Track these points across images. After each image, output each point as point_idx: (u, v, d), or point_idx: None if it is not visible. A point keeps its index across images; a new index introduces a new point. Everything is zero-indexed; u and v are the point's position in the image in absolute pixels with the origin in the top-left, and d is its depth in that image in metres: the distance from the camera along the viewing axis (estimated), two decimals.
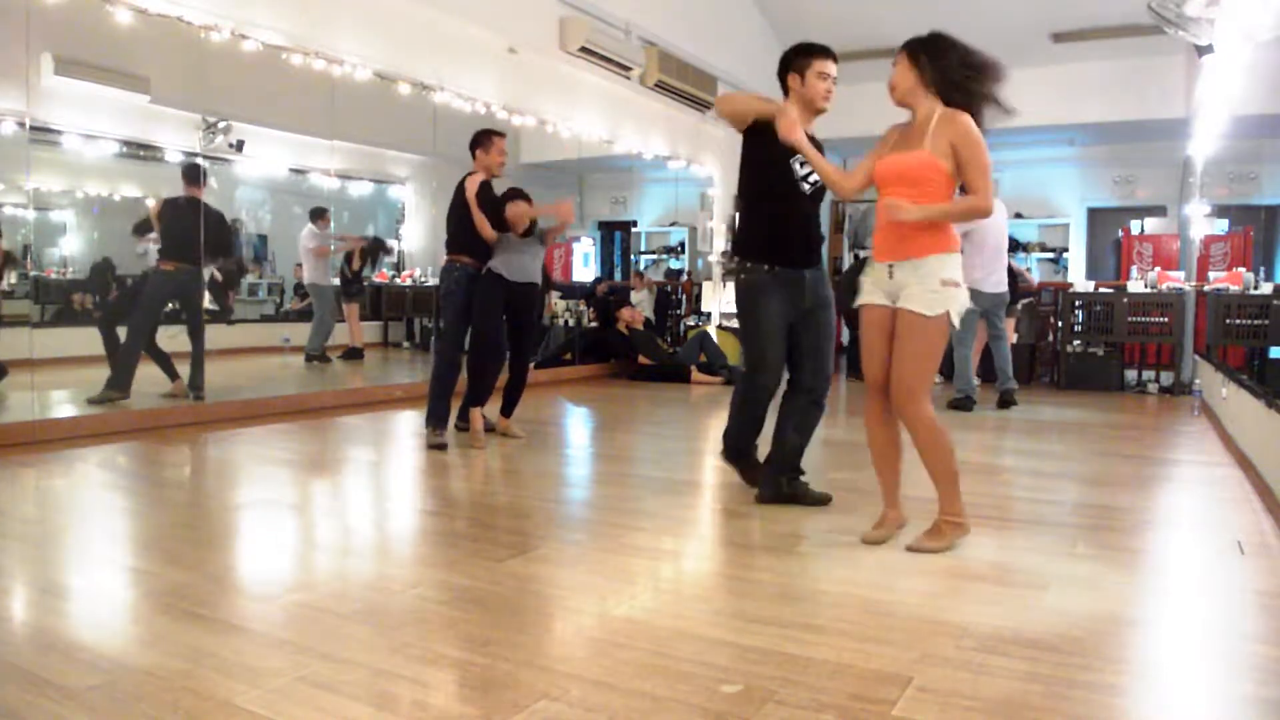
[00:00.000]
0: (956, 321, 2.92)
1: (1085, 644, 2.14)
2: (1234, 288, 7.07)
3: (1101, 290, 8.37)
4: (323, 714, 1.74)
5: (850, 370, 8.91)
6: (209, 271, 6.26)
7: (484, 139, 5.03)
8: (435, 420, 4.79)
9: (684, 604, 2.45)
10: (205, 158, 6.93)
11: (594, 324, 9.45)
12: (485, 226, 4.80)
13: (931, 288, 2.86)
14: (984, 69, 2.87)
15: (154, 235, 6.29)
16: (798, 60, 3.41)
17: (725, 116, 3.59)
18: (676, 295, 10.89)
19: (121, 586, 2.57)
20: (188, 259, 5.95)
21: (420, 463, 4.57)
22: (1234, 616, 2.45)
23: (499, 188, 5.01)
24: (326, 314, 8.71)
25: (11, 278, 7.65)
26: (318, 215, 8.76)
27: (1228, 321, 6.90)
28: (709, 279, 10.65)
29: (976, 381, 6.80)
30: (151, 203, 6.22)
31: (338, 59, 6.13)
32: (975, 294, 6.53)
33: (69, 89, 6.14)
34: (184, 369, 5.94)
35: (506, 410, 5.14)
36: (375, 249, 9.41)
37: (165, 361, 5.96)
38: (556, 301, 9.60)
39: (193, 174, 6.10)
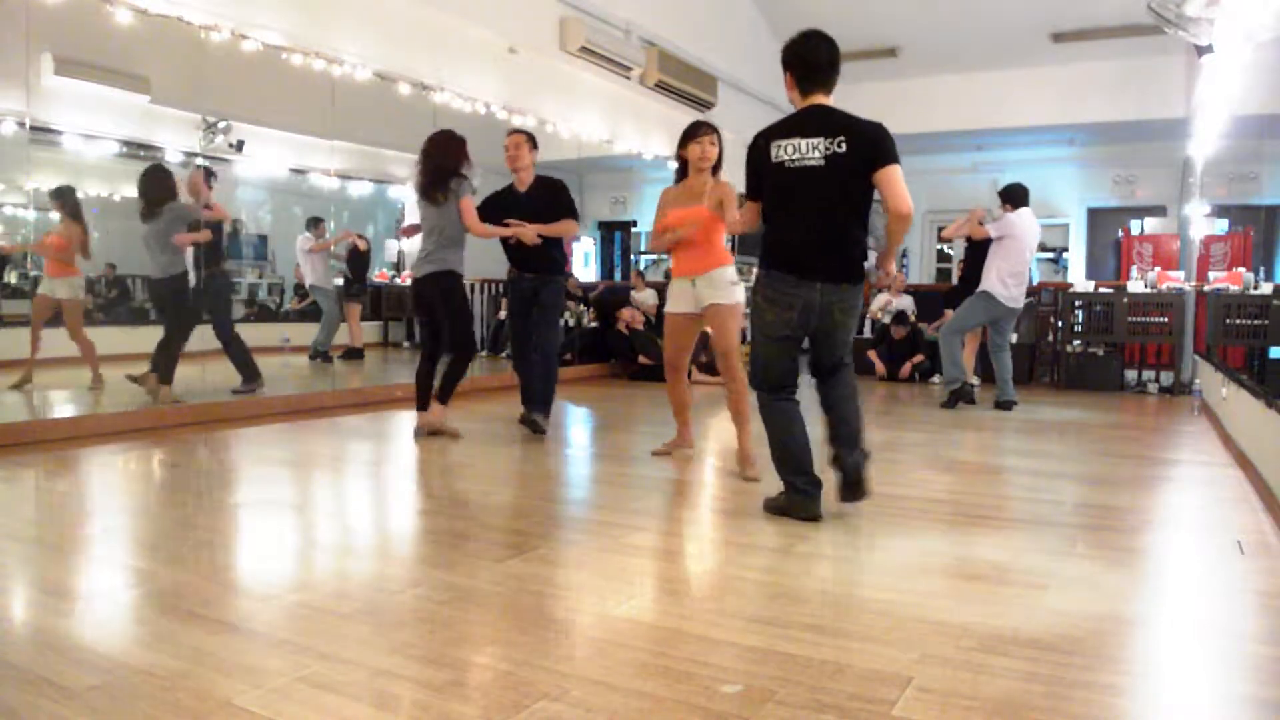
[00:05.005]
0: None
1: (1085, 644, 2.13)
2: (1234, 288, 7.06)
3: (1101, 290, 8.37)
4: (323, 714, 1.74)
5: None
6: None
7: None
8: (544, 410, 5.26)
9: (684, 604, 2.45)
10: (205, 157, 6.92)
11: (594, 324, 9.44)
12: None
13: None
14: None
15: None
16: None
17: None
18: None
19: (121, 586, 2.57)
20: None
21: (420, 463, 4.57)
22: (1234, 616, 2.45)
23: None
24: (334, 312, 8.74)
25: (12, 277, 7.66)
26: (314, 224, 8.76)
27: (1228, 321, 6.89)
28: None
29: (976, 381, 6.77)
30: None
31: (338, 59, 6.13)
32: (991, 300, 6.48)
33: (69, 89, 6.14)
34: (189, 370, 5.94)
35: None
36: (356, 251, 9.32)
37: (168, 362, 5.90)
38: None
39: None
